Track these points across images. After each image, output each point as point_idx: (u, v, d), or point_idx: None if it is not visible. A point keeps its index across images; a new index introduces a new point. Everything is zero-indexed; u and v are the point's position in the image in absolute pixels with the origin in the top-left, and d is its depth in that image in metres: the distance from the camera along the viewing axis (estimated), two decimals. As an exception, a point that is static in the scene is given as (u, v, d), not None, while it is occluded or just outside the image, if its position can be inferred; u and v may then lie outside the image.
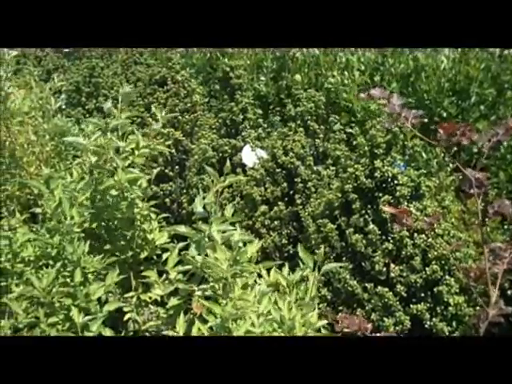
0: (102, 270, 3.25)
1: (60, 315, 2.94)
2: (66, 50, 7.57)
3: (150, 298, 3.54)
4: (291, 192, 3.65)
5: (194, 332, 2.22)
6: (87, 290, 2.93)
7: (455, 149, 3.94)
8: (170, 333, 2.90)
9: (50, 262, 3.61)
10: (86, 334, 2.56)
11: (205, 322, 2.40)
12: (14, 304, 3.03)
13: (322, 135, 3.77)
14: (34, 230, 3.86)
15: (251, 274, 2.57)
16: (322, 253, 2.50)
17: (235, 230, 3.05)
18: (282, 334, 2.11)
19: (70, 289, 2.94)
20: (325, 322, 2.35)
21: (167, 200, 4.18)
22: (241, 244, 2.92)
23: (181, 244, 3.57)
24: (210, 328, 2.28)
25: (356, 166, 3.20)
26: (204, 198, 3.22)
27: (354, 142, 3.44)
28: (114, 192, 3.65)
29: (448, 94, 4.48)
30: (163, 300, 3.58)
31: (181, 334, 2.36)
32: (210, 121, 4.42)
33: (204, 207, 3.19)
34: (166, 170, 4.23)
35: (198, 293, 3.05)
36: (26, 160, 4.14)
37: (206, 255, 2.86)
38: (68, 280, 2.99)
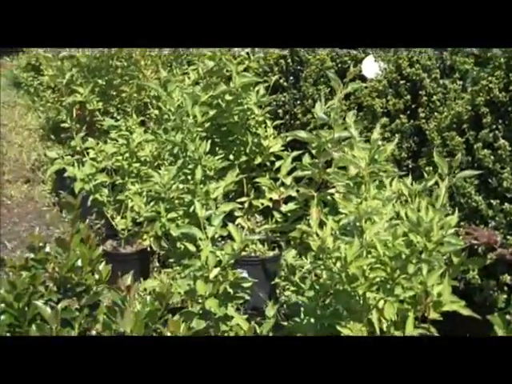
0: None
1: (180, 211, 2.98)
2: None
3: (262, 203, 3.54)
4: (414, 105, 3.49)
5: (327, 231, 2.15)
6: (207, 188, 2.94)
7: None
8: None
9: (165, 163, 3.66)
10: (208, 227, 2.58)
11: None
12: (136, 198, 3.10)
13: (450, 48, 3.55)
14: (150, 131, 3.92)
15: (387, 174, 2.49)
16: (458, 158, 2.37)
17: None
18: (418, 238, 2.04)
19: (191, 186, 2.96)
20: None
21: (280, 111, 4.11)
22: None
23: (295, 152, 3.53)
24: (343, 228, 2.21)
25: (490, 78, 3.00)
26: (326, 104, 3.13)
27: (488, 54, 3.23)
28: (228, 97, 3.62)
29: None
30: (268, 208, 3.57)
31: (313, 227, 2.28)
32: (328, 32, 4.26)
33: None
34: (281, 80, 4.14)
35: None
36: (143, 63, 4.16)
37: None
38: (189, 177, 3.01)
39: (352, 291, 2.22)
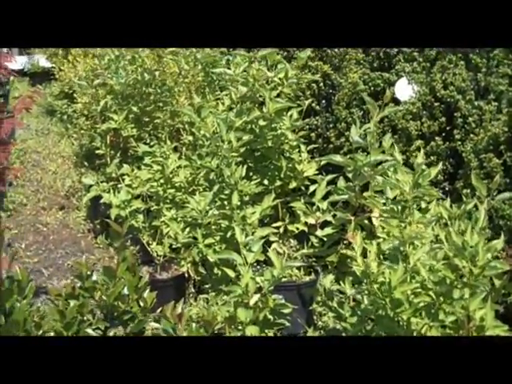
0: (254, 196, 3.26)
1: (217, 236, 2.99)
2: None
3: (298, 228, 3.53)
4: (449, 127, 3.47)
5: (372, 256, 2.14)
6: (244, 213, 2.94)
7: None
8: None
9: (200, 188, 3.68)
10: (247, 253, 2.57)
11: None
12: (172, 224, 3.11)
13: (484, 69, 3.53)
14: (184, 156, 3.95)
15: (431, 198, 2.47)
16: (497, 180, 2.35)
17: (393, 160, 2.96)
18: (464, 262, 2.01)
19: (227, 211, 2.97)
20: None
21: (313, 134, 4.12)
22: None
23: (329, 176, 3.52)
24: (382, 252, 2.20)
25: (527, 98, 2.99)
26: (360, 128, 3.13)
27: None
28: (261, 122, 3.63)
29: None
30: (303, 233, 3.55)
31: (357, 251, 2.27)
32: (359, 55, 4.27)
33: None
34: (313, 104, 4.15)
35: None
36: (176, 89, 4.20)
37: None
38: (225, 203, 3.02)
39: (395, 317, 2.19)
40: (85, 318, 1.66)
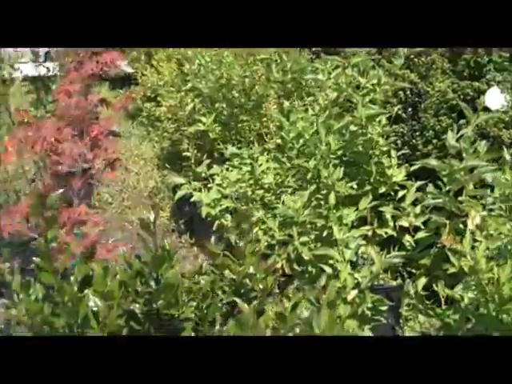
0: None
1: (311, 235, 3.05)
2: None
3: (386, 232, 3.56)
4: (543, 136, 3.46)
5: (480, 252, 2.16)
6: (340, 213, 3.00)
7: None
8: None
9: (289, 190, 3.76)
10: (345, 250, 2.63)
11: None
12: (269, 221, 3.19)
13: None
14: (272, 158, 4.04)
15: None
16: None
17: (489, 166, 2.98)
18: None
19: (324, 211, 3.03)
20: None
21: (398, 142, 4.15)
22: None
23: (419, 182, 3.55)
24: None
25: None
26: (457, 133, 3.16)
27: None
28: (352, 128, 3.69)
29: None
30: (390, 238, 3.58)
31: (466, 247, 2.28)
32: (445, 64, 4.29)
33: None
34: (399, 112, 4.19)
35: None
36: (266, 94, 4.31)
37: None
38: (321, 202, 3.09)
39: (499, 314, 2.21)
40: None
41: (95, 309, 1.64)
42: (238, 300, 1.68)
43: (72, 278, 1.69)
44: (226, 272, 1.82)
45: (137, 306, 1.66)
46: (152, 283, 1.67)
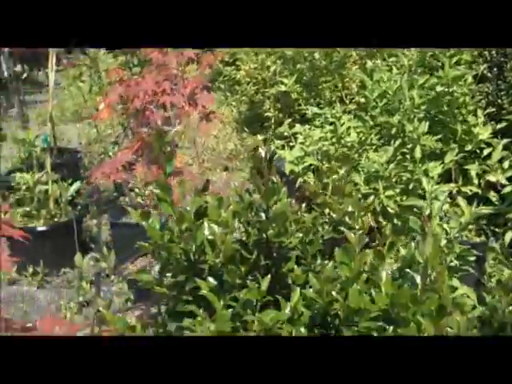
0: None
1: (397, 189, 3.10)
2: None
3: (471, 190, 3.57)
4: None
5: None
6: (426, 167, 3.03)
7: None
8: None
9: (372, 148, 3.80)
10: (434, 201, 2.67)
11: None
12: (355, 176, 3.25)
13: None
14: (355, 117, 4.08)
15: None
16: None
17: None
18: None
19: (409, 164, 3.07)
20: None
21: (483, 101, 4.11)
22: None
23: (506, 140, 3.53)
24: None
25: None
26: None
27: None
28: (438, 88, 3.69)
29: None
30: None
31: None
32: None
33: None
34: (484, 71, 4.14)
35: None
36: (347, 55, 4.35)
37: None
38: (407, 156, 3.13)
39: None
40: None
41: (210, 237, 1.76)
42: (345, 230, 1.77)
43: (188, 209, 1.81)
44: (326, 210, 1.90)
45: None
46: (262, 214, 1.78)
